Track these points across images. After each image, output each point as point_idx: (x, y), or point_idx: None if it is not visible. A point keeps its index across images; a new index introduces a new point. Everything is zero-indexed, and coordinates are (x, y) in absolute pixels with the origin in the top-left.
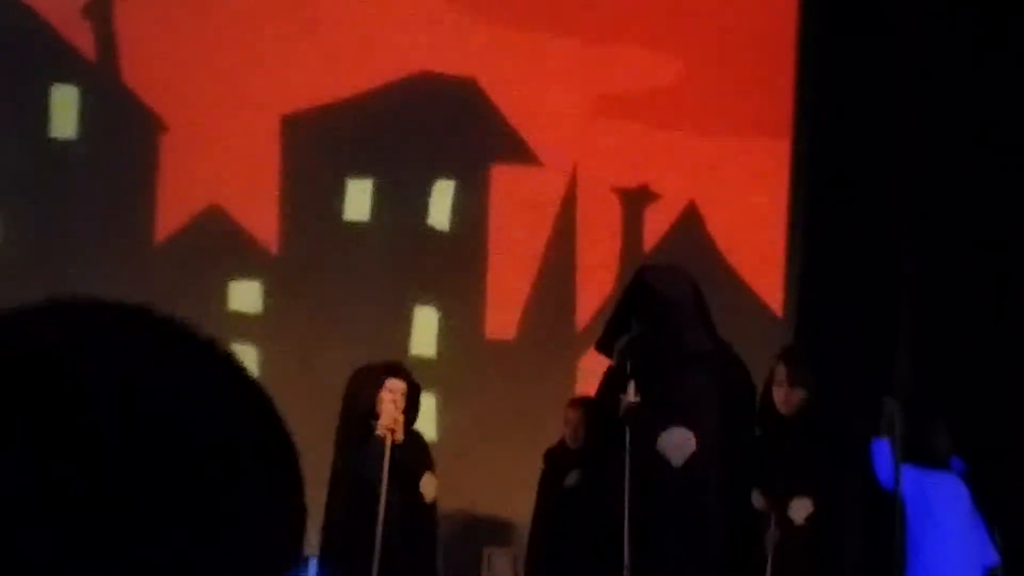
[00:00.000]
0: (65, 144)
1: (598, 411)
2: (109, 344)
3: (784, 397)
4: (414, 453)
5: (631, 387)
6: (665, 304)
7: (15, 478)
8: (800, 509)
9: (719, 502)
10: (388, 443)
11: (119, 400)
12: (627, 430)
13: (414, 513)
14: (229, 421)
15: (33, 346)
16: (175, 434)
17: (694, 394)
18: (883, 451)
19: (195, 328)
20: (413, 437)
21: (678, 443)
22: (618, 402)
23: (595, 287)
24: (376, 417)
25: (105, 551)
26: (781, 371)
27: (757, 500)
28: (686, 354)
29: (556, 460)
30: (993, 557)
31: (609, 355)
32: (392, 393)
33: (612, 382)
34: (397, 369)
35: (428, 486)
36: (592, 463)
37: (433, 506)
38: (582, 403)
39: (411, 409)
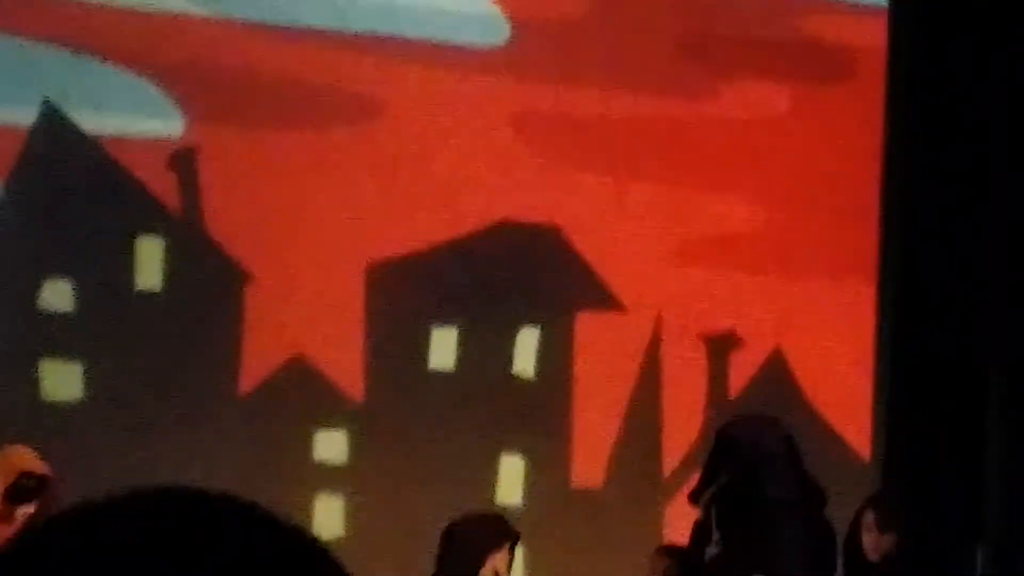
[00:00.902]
0: (150, 296)
1: (685, 562)
2: (194, 536)
3: (874, 543)
4: None
5: (715, 537)
6: (751, 455)
7: None
8: None
9: None
10: None
11: None
12: None
13: None
14: None
15: (115, 540)
16: None
17: (778, 543)
18: None
19: (280, 515)
20: None
21: None
22: (703, 552)
23: (681, 434)
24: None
25: None
26: (870, 516)
27: None
28: (771, 503)
29: None
30: None
31: (697, 505)
32: (504, 552)
33: (699, 533)
34: (508, 526)
35: None
36: None
37: None
38: (668, 551)
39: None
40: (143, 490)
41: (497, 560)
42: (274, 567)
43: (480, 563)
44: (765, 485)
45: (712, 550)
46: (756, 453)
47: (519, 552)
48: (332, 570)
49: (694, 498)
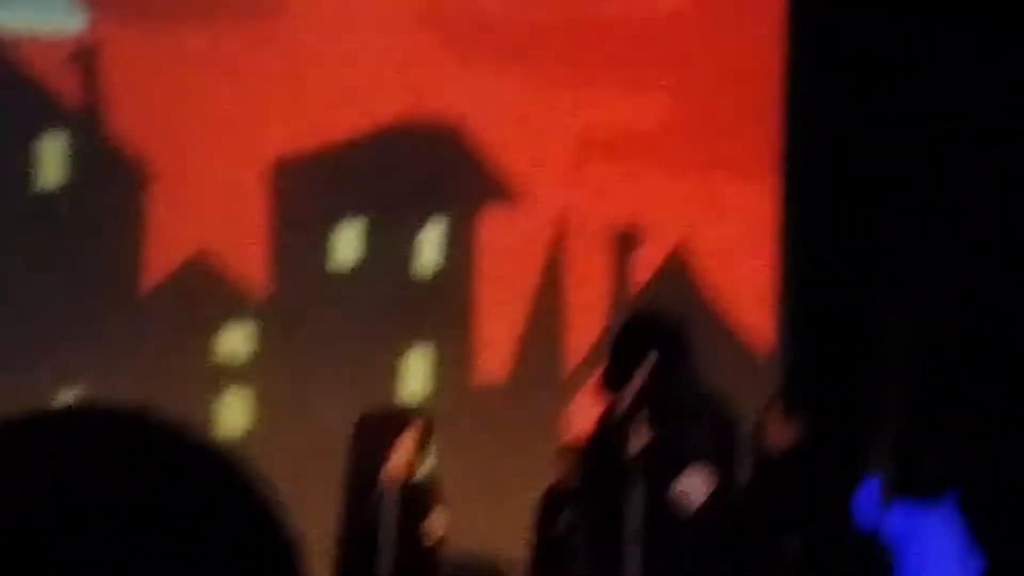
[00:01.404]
0: (51, 195)
1: (596, 453)
2: (97, 453)
3: (777, 436)
4: (422, 494)
5: (640, 431)
6: (676, 348)
7: None
8: (790, 544)
9: (725, 545)
10: (398, 486)
11: (105, 511)
12: (637, 472)
13: (420, 554)
14: (225, 521)
15: (22, 459)
16: (167, 541)
17: (701, 438)
18: (871, 489)
19: (192, 431)
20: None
21: (694, 487)
22: (623, 445)
23: (584, 328)
24: (387, 460)
25: None
26: (772, 410)
27: (749, 537)
28: (688, 398)
29: (550, 502)
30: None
31: (610, 398)
32: (412, 438)
33: (614, 424)
34: (415, 415)
35: (436, 524)
36: (587, 504)
37: (439, 546)
38: (577, 446)
39: (424, 452)
40: (39, 412)
41: (405, 448)
42: (184, 481)
43: (388, 453)
44: (681, 381)
45: (637, 443)
46: (675, 346)
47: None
48: (242, 480)
49: (603, 390)
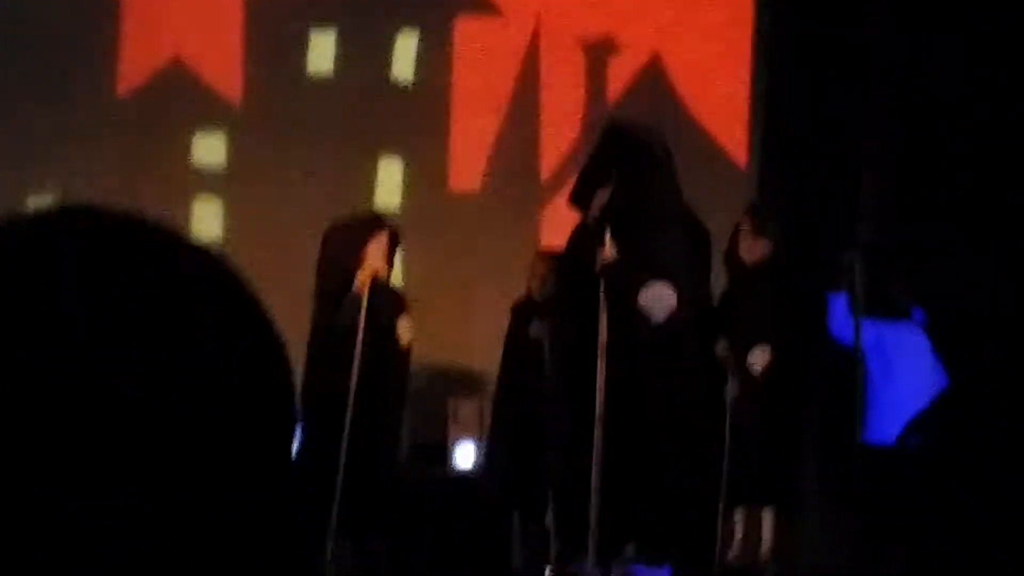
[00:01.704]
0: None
1: (569, 264)
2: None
3: (749, 248)
4: (390, 300)
5: (609, 242)
6: (641, 162)
7: None
8: (759, 357)
9: (693, 356)
10: (365, 293)
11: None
12: (604, 285)
13: (388, 360)
14: (216, 323)
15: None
16: (159, 335)
17: (669, 250)
18: (840, 305)
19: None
20: (388, 287)
21: (659, 299)
22: (593, 257)
23: (559, 138)
24: (356, 268)
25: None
26: (745, 223)
27: (721, 349)
28: (661, 210)
29: (523, 312)
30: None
31: (582, 209)
32: (379, 245)
33: (586, 236)
34: (381, 222)
35: (404, 329)
36: (559, 314)
37: (407, 352)
38: (550, 256)
39: (393, 259)
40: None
41: (372, 255)
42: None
43: (356, 261)
44: (654, 192)
45: (606, 254)
46: (645, 159)
47: (397, 253)
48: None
49: (576, 200)
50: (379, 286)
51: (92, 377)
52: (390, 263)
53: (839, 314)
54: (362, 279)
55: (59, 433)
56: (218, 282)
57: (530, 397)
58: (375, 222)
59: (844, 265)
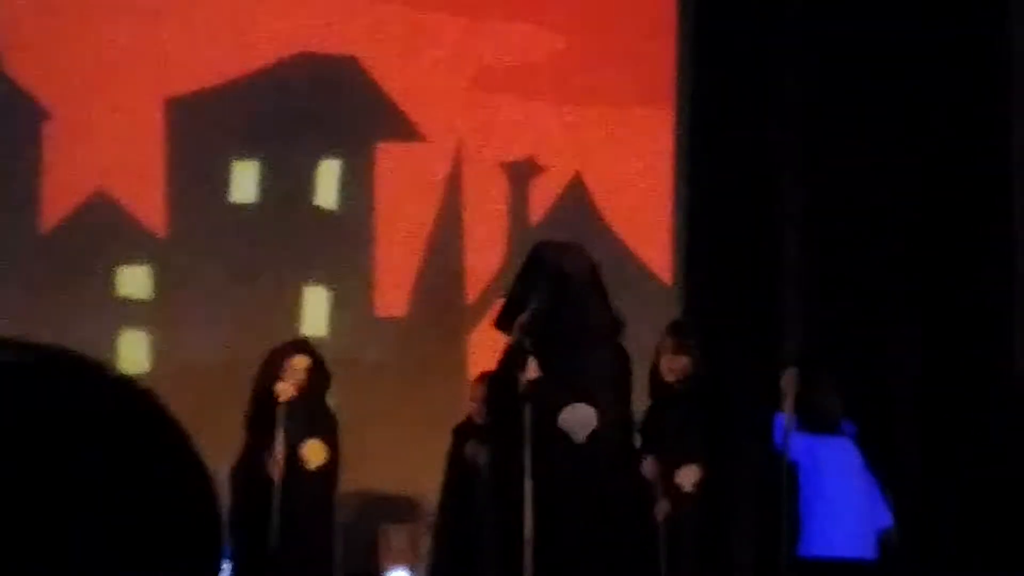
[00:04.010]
0: None
1: (497, 387)
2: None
3: (668, 365)
4: (307, 423)
5: (531, 363)
6: (564, 280)
7: None
8: (688, 476)
9: (619, 476)
10: (281, 414)
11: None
12: (527, 406)
13: (303, 484)
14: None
15: None
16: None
17: (592, 370)
18: (784, 424)
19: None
20: (318, 409)
21: (580, 419)
22: (517, 379)
23: (484, 262)
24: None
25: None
26: (667, 341)
27: (648, 469)
28: (584, 330)
29: (463, 436)
30: (886, 519)
31: (508, 332)
32: (293, 369)
33: (511, 358)
34: (300, 346)
35: (309, 451)
36: (491, 436)
37: (322, 475)
38: (486, 379)
39: (318, 382)
40: None
41: (295, 361)
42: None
43: (280, 365)
44: (577, 311)
45: (528, 376)
46: (568, 278)
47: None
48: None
49: (501, 324)
50: (295, 409)
51: (13, 515)
52: (313, 386)
53: (783, 431)
54: (282, 398)
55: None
56: (145, 418)
57: (468, 520)
58: (294, 346)
59: (784, 384)
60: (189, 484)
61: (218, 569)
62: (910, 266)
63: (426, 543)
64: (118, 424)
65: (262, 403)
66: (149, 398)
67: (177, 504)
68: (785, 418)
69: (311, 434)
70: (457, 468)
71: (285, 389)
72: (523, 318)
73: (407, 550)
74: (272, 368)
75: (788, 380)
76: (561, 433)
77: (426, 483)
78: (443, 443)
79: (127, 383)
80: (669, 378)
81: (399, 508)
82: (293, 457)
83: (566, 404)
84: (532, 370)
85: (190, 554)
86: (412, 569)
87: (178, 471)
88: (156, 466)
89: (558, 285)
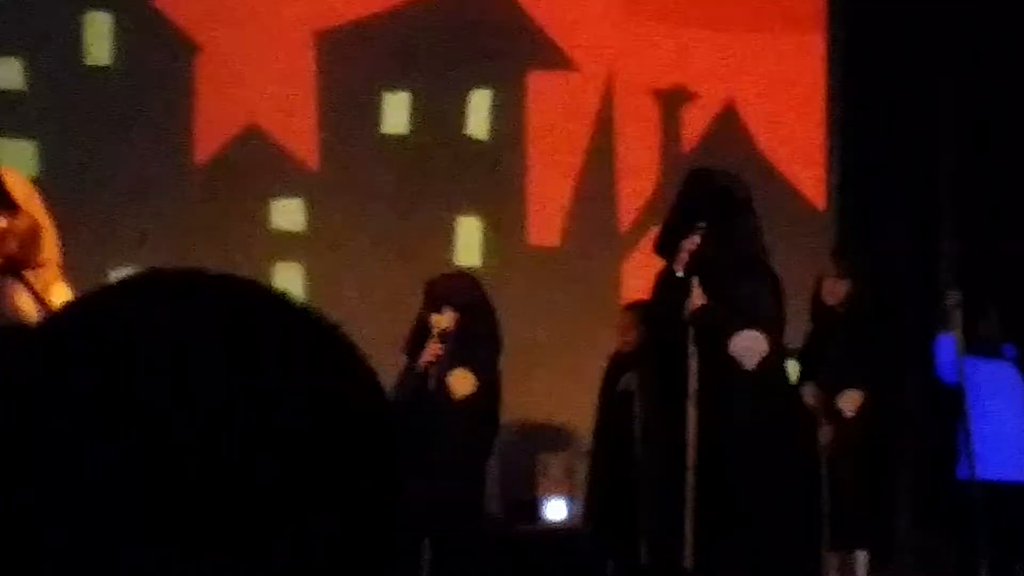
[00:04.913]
0: (101, 70)
1: (656, 314)
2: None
3: (831, 290)
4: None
5: (696, 289)
6: (731, 208)
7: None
8: (849, 401)
9: (784, 402)
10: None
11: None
12: (693, 333)
13: (449, 414)
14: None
15: (119, 328)
16: (259, 408)
17: (756, 297)
18: (946, 346)
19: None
20: (473, 340)
21: (752, 345)
22: (681, 305)
23: (636, 189)
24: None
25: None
26: (830, 265)
27: (809, 395)
28: (748, 256)
29: (614, 366)
30: None
31: (668, 258)
32: (440, 314)
33: (671, 285)
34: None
35: (456, 381)
36: (648, 364)
37: (472, 402)
38: (636, 308)
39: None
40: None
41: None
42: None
43: (427, 314)
44: (742, 236)
45: (695, 302)
46: (735, 203)
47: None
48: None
49: (662, 249)
50: (444, 338)
51: (212, 437)
52: (471, 316)
53: (945, 355)
54: (437, 331)
55: (182, 493)
56: (327, 341)
57: (623, 449)
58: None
59: (948, 306)
60: (367, 395)
61: (399, 481)
62: None
63: (582, 472)
64: (304, 347)
65: (419, 333)
66: (329, 324)
67: (357, 418)
68: (951, 338)
69: (462, 364)
70: (610, 397)
71: (439, 321)
72: (688, 245)
73: (564, 479)
74: (428, 302)
75: (951, 301)
76: (730, 359)
77: (583, 413)
78: (598, 372)
79: (308, 310)
80: (831, 302)
81: (556, 437)
82: (440, 387)
83: (736, 331)
84: (698, 296)
85: (372, 467)
86: (569, 497)
87: (359, 390)
88: (339, 386)
89: (722, 213)
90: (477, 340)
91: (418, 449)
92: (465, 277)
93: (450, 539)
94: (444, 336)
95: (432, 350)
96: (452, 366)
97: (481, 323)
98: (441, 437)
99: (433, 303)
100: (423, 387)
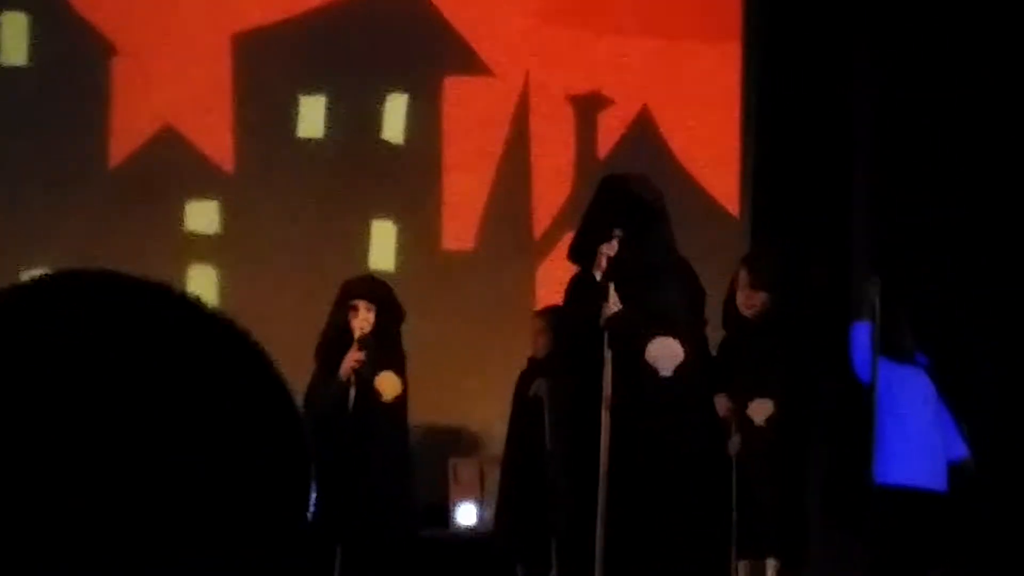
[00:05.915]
0: (16, 71)
1: (568, 320)
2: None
3: (746, 300)
4: (380, 356)
5: (612, 295)
6: (644, 211)
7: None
8: (760, 410)
9: (696, 410)
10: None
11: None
12: (608, 338)
13: (375, 416)
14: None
15: (30, 326)
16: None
17: (671, 303)
18: (862, 334)
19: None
20: (390, 343)
21: (668, 352)
22: (595, 311)
23: (551, 195)
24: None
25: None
26: (743, 275)
27: (720, 405)
28: (663, 261)
29: (526, 371)
30: (961, 450)
31: (581, 264)
32: (358, 316)
33: (585, 290)
34: (371, 282)
35: (384, 383)
36: (559, 370)
37: (396, 407)
38: (546, 313)
39: (390, 317)
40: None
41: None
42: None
43: (346, 308)
44: (656, 242)
45: (610, 308)
46: (648, 209)
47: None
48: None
49: (575, 255)
50: (366, 343)
51: (116, 441)
52: (385, 320)
53: (861, 343)
54: (356, 333)
55: (81, 505)
56: (236, 347)
57: (535, 454)
58: (354, 290)
59: (866, 294)
60: (281, 414)
61: (309, 496)
62: (977, 200)
63: (494, 477)
64: (210, 352)
65: (334, 337)
66: (238, 330)
67: (269, 432)
68: (867, 326)
69: (384, 367)
70: (522, 403)
71: (360, 324)
72: (606, 251)
73: (475, 483)
74: (344, 303)
75: (870, 287)
76: (645, 366)
77: (493, 417)
78: (511, 377)
79: (216, 314)
80: (746, 312)
81: (467, 442)
82: (366, 390)
83: (652, 337)
84: (614, 302)
85: (283, 480)
86: (479, 501)
87: (268, 399)
88: (247, 394)
89: (637, 219)
90: (393, 341)
91: (343, 456)
92: (378, 280)
93: (366, 544)
94: (364, 342)
95: (353, 356)
96: (376, 370)
97: (395, 324)
98: (371, 442)
99: (347, 301)
100: (345, 394)
